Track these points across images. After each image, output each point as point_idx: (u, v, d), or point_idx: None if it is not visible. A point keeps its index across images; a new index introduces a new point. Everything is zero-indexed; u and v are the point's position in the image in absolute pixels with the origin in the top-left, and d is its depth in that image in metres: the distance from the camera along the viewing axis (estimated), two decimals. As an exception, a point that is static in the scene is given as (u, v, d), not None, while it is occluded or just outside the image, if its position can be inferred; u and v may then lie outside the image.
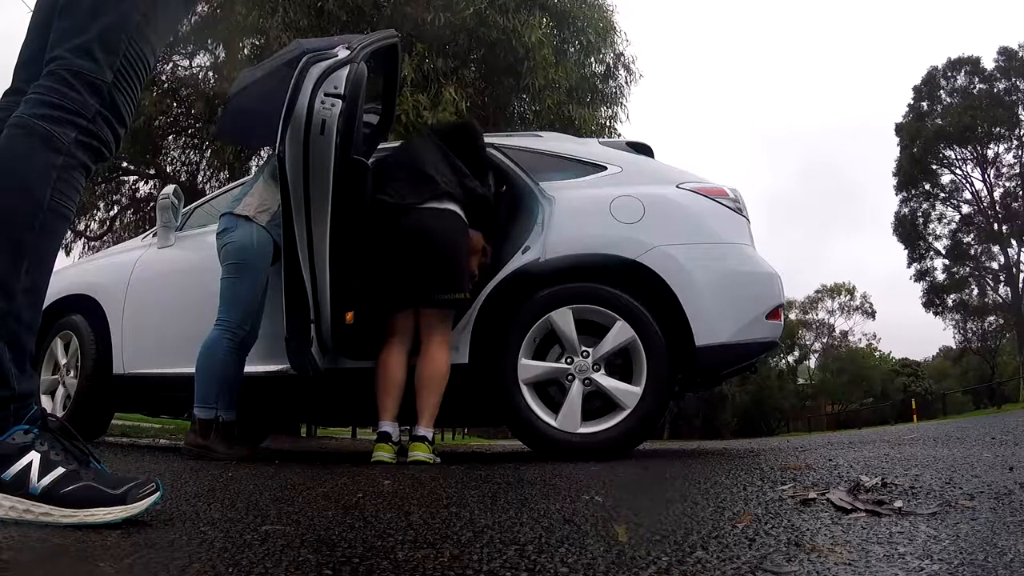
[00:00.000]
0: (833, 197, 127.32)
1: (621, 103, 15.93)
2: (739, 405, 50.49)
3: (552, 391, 3.95)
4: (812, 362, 63.76)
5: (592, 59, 15.58)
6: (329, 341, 3.88)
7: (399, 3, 12.69)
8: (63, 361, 5.13)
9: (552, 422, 3.81)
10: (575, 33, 14.94)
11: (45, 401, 5.18)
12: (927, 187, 43.99)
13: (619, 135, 14.70)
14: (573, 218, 4.05)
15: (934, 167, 43.50)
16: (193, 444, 3.98)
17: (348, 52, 3.74)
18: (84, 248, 21.54)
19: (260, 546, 1.51)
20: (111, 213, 20.95)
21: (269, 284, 4.08)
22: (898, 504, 1.87)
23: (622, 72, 16.02)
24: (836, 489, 2.14)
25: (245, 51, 14.62)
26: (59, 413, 5.05)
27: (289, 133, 3.57)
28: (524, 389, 3.87)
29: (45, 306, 5.56)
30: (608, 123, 15.48)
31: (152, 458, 4.02)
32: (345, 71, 3.64)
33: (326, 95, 3.58)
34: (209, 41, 16.05)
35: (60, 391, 5.13)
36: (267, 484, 2.71)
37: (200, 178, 18.72)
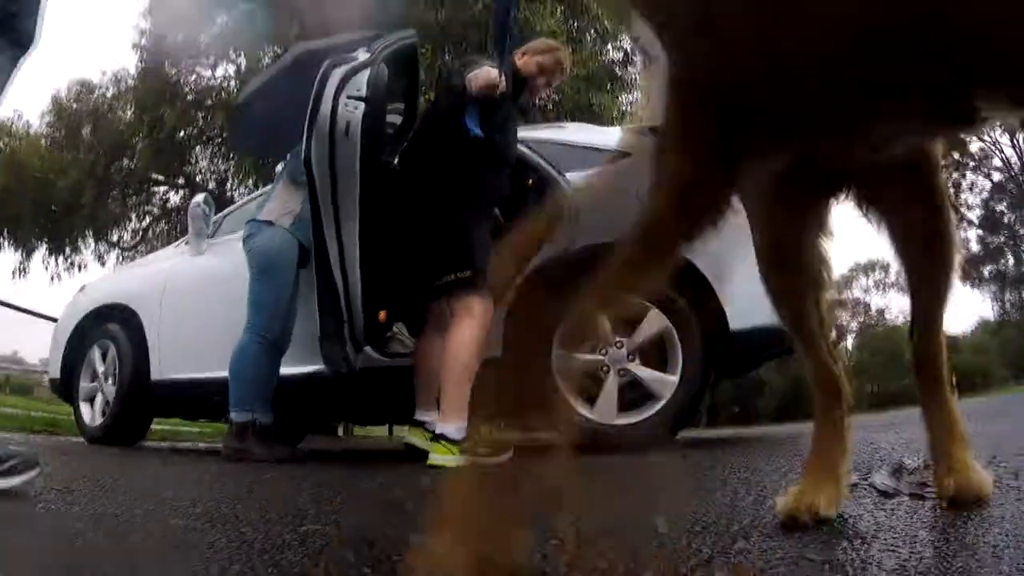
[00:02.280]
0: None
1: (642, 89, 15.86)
2: (777, 390, 50.06)
3: (587, 382, 3.94)
4: (849, 342, 63.10)
5: (609, 46, 15.53)
6: (362, 340, 3.89)
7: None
8: (101, 369, 5.20)
9: (588, 414, 3.80)
10: (590, 21, 14.87)
11: (84, 409, 5.26)
12: (956, 155, 43.22)
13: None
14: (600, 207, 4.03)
15: (962, 135, 42.71)
16: (231, 447, 4.01)
17: (368, 55, 3.75)
18: (118, 259, 21.87)
19: (299, 546, 1.52)
20: (143, 223, 21.30)
21: (303, 285, 4.09)
22: (942, 485, 1.84)
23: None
24: (878, 472, 2.11)
25: (266, 59, 14.69)
26: (98, 420, 5.13)
27: (315, 136, 3.58)
28: (559, 381, 3.86)
29: (82, 316, 5.61)
30: (630, 109, 15.39)
31: (191, 461, 4.06)
32: (366, 73, 3.65)
33: (349, 98, 3.59)
34: (231, 51, 16.17)
35: (99, 398, 5.20)
36: (305, 484, 2.73)
37: (229, 185, 18.92)
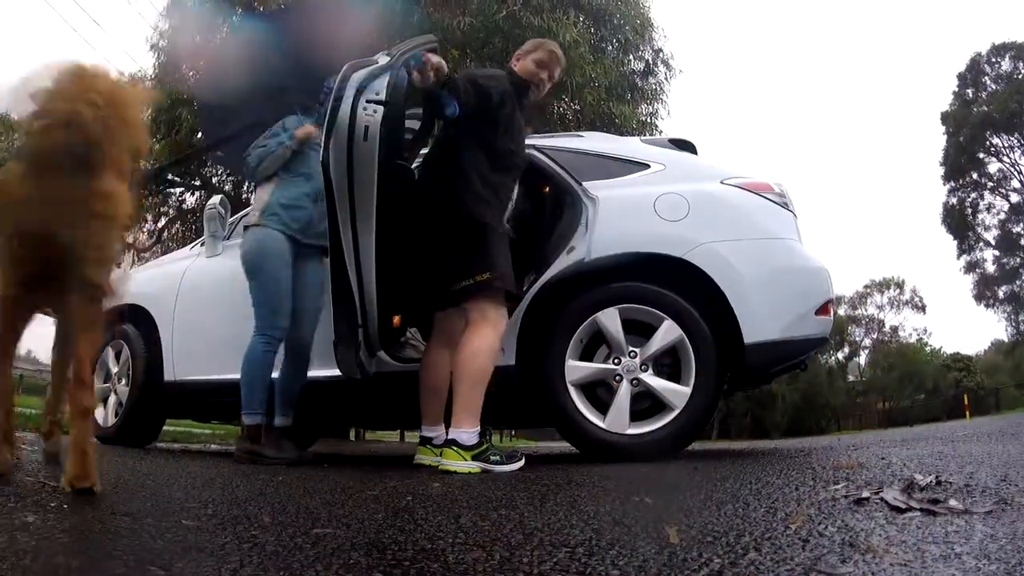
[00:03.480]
0: (880, 188, 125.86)
1: (662, 99, 15.90)
2: (789, 404, 49.79)
3: (600, 392, 3.93)
4: (862, 358, 62.70)
5: (631, 56, 15.54)
6: (377, 345, 3.90)
7: (428, 10, 12.77)
8: (114, 370, 5.23)
9: (600, 423, 3.80)
10: (612, 31, 14.91)
11: (97, 409, 5.28)
12: (975, 176, 43.03)
13: (660, 132, 14.64)
14: (617, 217, 4.03)
15: (981, 156, 42.50)
16: (241, 449, 4.04)
17: (388, 59, 3.75)
18: (133, 260, 22.00)
19: (311, 549, 1.52)
20: (159, 224, 21.35)
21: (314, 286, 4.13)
22: (953, 502, 1.84)
23: (661, 68, 15.99)
24: (890, 488, 2.11)
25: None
26: (111, 421, 5.15)
27: (333, 141, 3.58)
28: (572, 390, 3.86)
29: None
30: (649, 120, 15.42)
31: (203, 463, 4.07)
32: (386, 77, 3.65)
33: (368, 102, 3.59)
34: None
35: (112, 399, 5.22)
36: (317, 488, 2.73)
37: (245, 188, 18.99)
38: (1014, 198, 42.45)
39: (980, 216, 43.51)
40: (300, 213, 4.17)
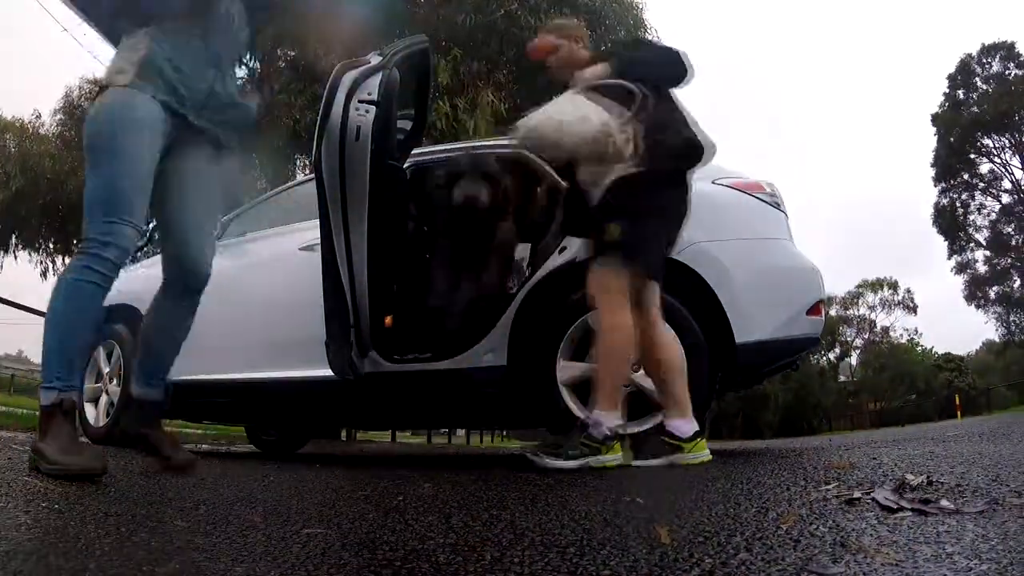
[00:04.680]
0: (872, 190, 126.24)
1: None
2: (781, 404, 49.84)
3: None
4: (854, 359, 62.78)
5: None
6: (368, 345, 3.88)
7: (435, 5, 12.77)
8: (106, 370, 5.20)
9: (592, 423, 3.79)
10: (606, 32, 14.90)
11: (88, 409, 5.26)
12: (966, 177, 43.11)
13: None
14: None
15: (972, 156, 42.57)
16: (33, 447, 2.59)
17: (380, 59, 3.75)
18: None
19: (302, 549, 1.52)
20: (151, 225, 21.34)
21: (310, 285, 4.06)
22: (944, 503, 1.84)
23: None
24: (881, 488, 2.11)
25: (281, 63, 14.68)
26: (102, 421, 5.13)
27: (325, 140, 3.58)
28: (563, 390, 3.85)
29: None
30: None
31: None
32: (378, 77, 3.65)
33: (360, 102, 3.59)
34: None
35: (103, 399, 5.20)
36: (308, 488, 2.73)
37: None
38: (1005, 199, 42.59)
39: (971, 217, 43.64)
40: (197, 81, 2.83)
